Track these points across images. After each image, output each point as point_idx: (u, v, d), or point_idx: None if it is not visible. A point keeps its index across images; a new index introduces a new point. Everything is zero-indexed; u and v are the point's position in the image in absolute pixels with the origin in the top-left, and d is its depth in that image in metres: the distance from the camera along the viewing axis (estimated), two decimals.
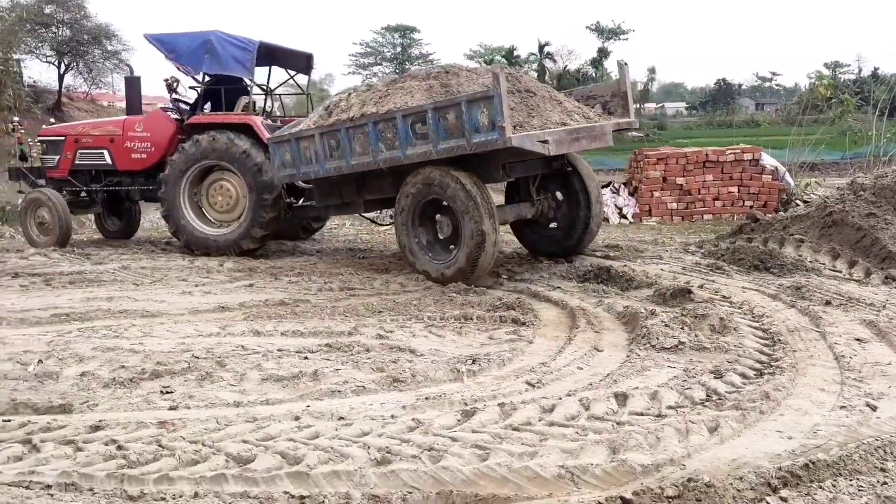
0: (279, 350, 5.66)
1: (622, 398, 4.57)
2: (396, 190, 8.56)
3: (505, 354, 5.50)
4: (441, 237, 8.39)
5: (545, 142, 7.60)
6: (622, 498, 3.26)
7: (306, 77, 11.67)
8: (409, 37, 78.94)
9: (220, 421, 4.27)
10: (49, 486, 3.41)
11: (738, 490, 3.32)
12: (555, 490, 3.46)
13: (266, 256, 10.04)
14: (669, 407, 4.41)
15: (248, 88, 11.08)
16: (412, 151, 8.10)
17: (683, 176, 13.07)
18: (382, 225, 11.59)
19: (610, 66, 79.12)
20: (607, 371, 5.14)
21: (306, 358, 5.46)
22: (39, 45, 37.07)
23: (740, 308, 6.58)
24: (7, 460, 3.79)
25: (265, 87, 11.57)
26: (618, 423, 4.19)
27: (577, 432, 4.09)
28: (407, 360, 5.39)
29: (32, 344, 5.92)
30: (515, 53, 79.62)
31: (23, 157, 11.41)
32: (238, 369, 5.19)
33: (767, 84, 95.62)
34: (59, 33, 47.26)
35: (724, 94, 80.00)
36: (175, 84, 10.92)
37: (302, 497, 3.32)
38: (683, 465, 3.63)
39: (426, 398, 4.65)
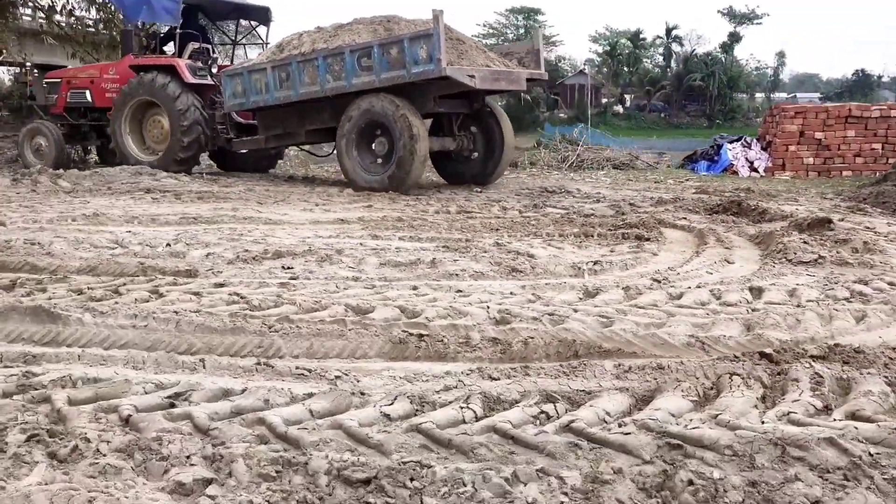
0: (396, 248, 5.63)
1: (757, 291, 4.29)
2: (335, 120, 9.82)
3: (628, 261, 5.28)
4: (377, 154, 9.73)
5: (472, 77, 9.03)
6: (761, 353, 3.02)
7: (265, 28, 13.03)
8: (532, 18, 78.06)
9: (338, 285, 4.27)
10: (176, 313, 3.45)
11: (891, 358, 3.01)
12: (684, 354, 3.25)
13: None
14: (810, 300, 4.10)
15: (198, 36, 12.38)
16: (357, 81, 9.49)
17: (823, 131, 12.27)
18: (319, 156, 12.88)
19: (739, 52, 75.81)
20: (740, 275, 4.84)
21: (423, 250, 5.40)
22: None
23: (886, 236, 6.10)
24: (134, 301, 3.88)
25: (232, 38, 13.49)
26: (753, 310, 3.92)
27: (707, 313, 3.86)
28: (526, 259, 5.25)
29: (162, 236, 6.12)
30: (641, 36, 77.54)
31: (31, 97, 13.46)
32: (357, 255, 5.19)
33: None
34: None
35: (862, 85, 75.25)
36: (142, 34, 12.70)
37: (421, 335, 3.24)
38: (827, 343, 3.35)
39: (546, 283, 4.51)
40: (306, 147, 12.46)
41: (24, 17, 21.94)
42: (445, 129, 10.47)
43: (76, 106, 12.73)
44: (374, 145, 9.76)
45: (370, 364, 2.98)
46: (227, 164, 12.79)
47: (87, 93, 12.57)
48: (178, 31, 11.75)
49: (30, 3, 21.16)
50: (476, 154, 10.60)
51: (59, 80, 13.04)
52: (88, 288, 4.14)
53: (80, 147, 13.51)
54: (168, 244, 5.63)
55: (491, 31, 79.55)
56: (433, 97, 9.55)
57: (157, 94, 11.27)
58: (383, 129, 9.54)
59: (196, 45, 12.11)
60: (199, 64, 11.77)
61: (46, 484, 1.88)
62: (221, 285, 4.26)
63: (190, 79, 11.24)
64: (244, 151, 11.89)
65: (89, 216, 6.99)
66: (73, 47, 21.11)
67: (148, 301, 3.88)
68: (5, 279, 4.40)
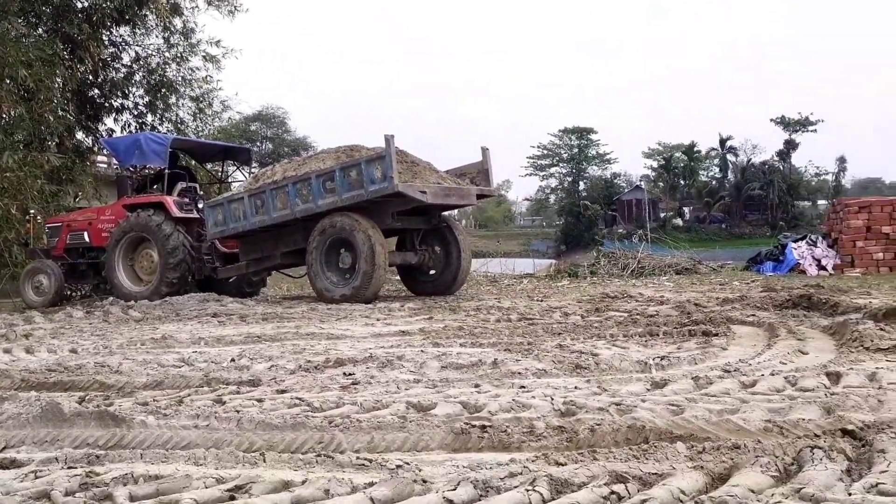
0: (458, 353, 5.59)
1: (835, 377, 4.10)
2: (306, 241, 10.72)
3: (697, 356, 5.13)
4: (342, 268, 10.62)
5: (424, 192, 10.03)
6: (843, 430, 2.85)
7: (248, 167, 15.04)
8: (586, 138, 79.72)
9: (399, 387, 4.23)
10: (237, 412, 3.44)
11: None
12: (760, 439, 3.09)
13: (444, 298, 10.16)
14: (892, 383, 3.89)
15: (185, 175, 13.53)
16: (322, 202, 10.49)
17: (890, 224, 11.99)
18: (294, 277, 13.94)
19: (797, 159, 75.44)
20: (815, 363, 4.65)
21: (485, 353, 5.35)
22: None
23: None
24: (198, 408, 3.88)
25: (220, 177, 15.07)
26: (832, 394, 3.73)
27: (783, 398, 3.68)
28: (590, 356, 5.14)
29: (227, 354, 6.20)
30: (696, 149, 78.18)
31: (25, 244, 14.40)
32: (418, 360, 5.17)
33: None
34: (263, 147, 51.55)
35: None
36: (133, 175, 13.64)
37: (484, 426, 3.16)
38: None
39: (611, 377, 4.39)
40: (285, 270, 13.38)
41: (98, 165, 23.20)
42: (408, 244, 11.56)
43: (75, 247, 13.62)
44: (339, 261, 10.66)
45: (432, 455, 2.90)
46: (215, 292, 13.00)
47: (85, 234, 13.52)
48: (166, 171, 12.81)
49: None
50: (437, 266, 11.51)
51: (59, 224, 14.02)
52: (154, 400, 4.18)
53: (77, 284, 14.21)
54: (233, 359, 5.71)
55: (546, 151, 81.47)
56: (391, 213, 10.53)
57: (148, 229, 12.15)
58: (347, 245, 10.48)
59: (184, 184, 13.18)
60: (186, 200, 12.73)
61: None
62: (283, 391, 4.26)
63: (177, 213, 12.14)
64: (231, 279, 12.77)
65: (157, 339, 7.15)
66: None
67: (211, 407, 3.90)
68: (75, 396, 4.49)
